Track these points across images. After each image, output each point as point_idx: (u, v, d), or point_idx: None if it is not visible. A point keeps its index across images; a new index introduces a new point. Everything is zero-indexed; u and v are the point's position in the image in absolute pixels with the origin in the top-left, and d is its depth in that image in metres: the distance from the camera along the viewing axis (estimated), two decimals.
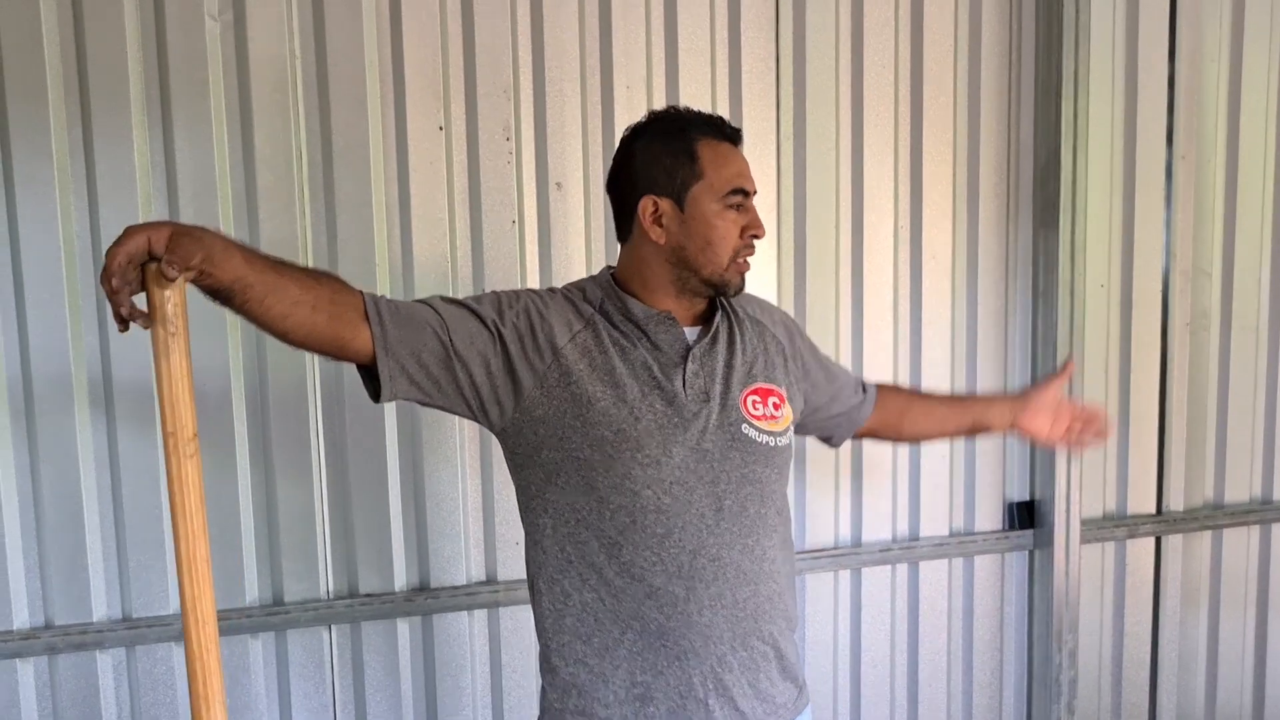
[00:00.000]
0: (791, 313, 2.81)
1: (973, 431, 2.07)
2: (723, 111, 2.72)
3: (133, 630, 2.41)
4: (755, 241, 1.65)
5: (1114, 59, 3.09)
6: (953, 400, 2.15)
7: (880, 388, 2.03)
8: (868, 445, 2.94)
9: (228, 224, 2.40)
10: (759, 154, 2.78)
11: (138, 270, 1.22)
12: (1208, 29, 3.17)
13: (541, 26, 2.58)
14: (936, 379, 2.99)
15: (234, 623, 2.45)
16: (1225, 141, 3.24)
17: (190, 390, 1.26)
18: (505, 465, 2.53)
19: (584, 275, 2.60)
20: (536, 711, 2.62)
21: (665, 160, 1.61)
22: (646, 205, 1.61)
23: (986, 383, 3.04)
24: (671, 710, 1.57)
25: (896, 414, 2.01)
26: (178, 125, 2.36)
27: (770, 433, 1.63)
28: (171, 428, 1.24)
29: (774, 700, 1.64)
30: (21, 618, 2.37)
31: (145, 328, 1.23)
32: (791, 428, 1.70)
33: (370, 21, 2.46)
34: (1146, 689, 3.35)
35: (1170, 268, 3.21)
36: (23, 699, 2.39)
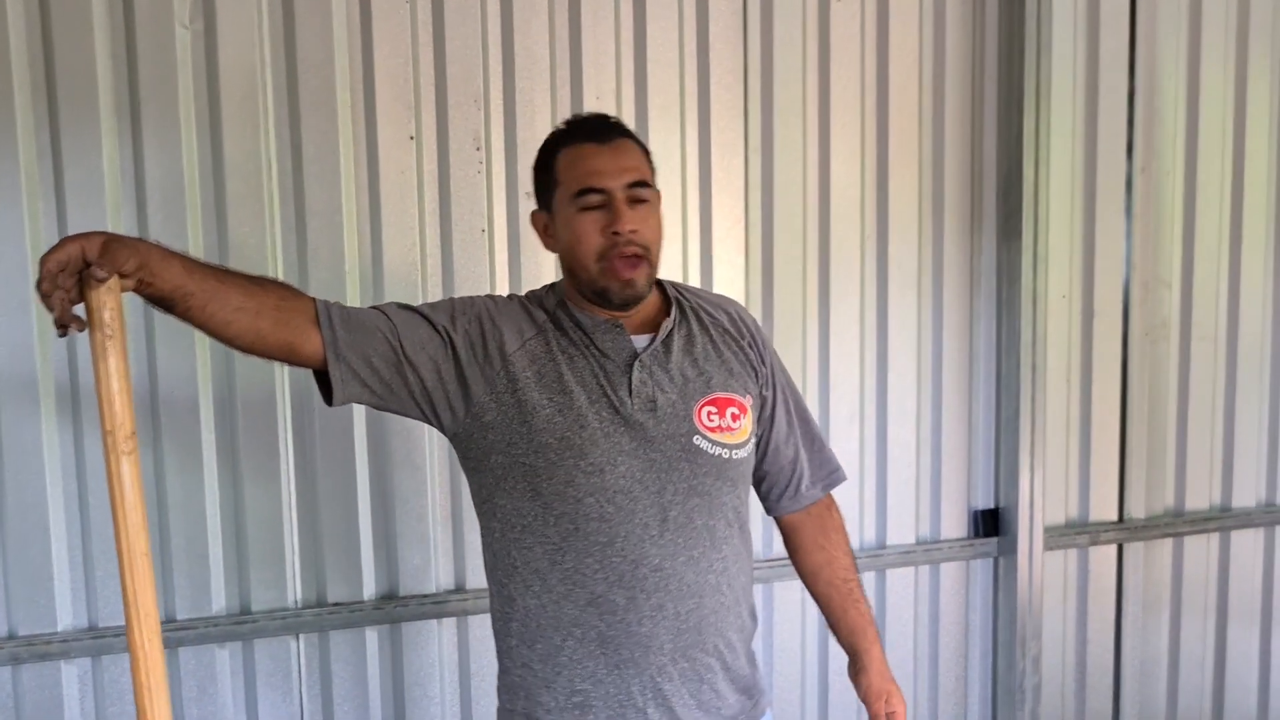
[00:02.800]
0: (759, 322, 2.84)
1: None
2: (691, 123, 2.76)
3: (98, 640, 2.39)
4: (619, 238, 1.56)
5: (1075, 73, 3.14)
6: (843, 607, 1.87)
7: (829, 504, 1.87)
8: (835, 451, 2.96)
9: (196, 231, 2.40)
10: (727, 164, 2.81)
11: (74, 278, 1.25)
12: (1165, 45, 3.24)
13: (512, 37, 2.60)
14: (902, 388, 3.03)
15: (200, 632, 2.44)
16: (1184, 155, 3.31)
17: (127, 389, 1.29)
18: None
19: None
20: None
21: (539, 176, 1.69)
22: (535, 221, 1.72)
23: (952, 392, 3.08)
24: (610, 718, 1.57)
25: (794, 543, 1.88)
26: (147, 132, 2.35)
27: (724, 444, 1.62)
28: (110, 426, 1.27)
29: (720, 712, 1.64)
30: None
31: (80, 331, 1.26)
32: (752, 440, 1.68)
33: (341, 30, 2.47)
34: (1110, 695, 3.40)
35: (1130, 278, 3.27)
36: None
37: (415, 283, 2.56)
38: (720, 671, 1.64)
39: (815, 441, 1.85)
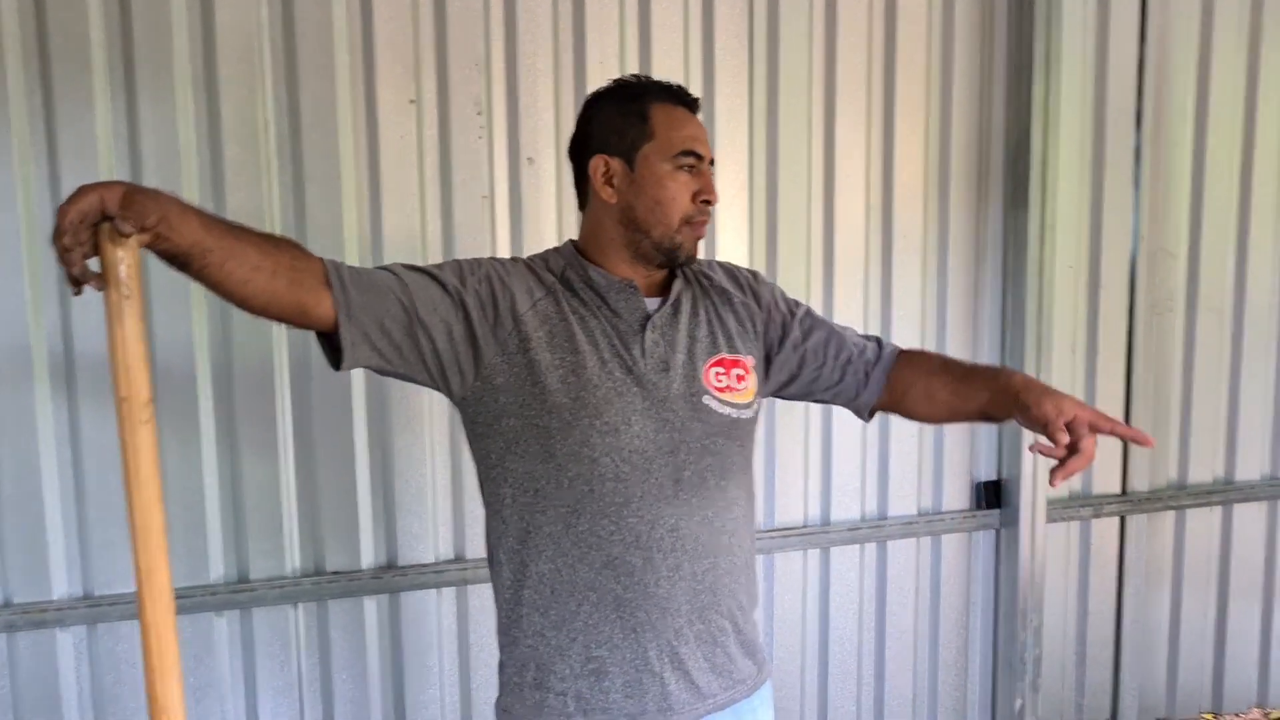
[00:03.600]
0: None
1: (982, 420, 1.74)
2: (695, 88, 2.71)
3: (94, 608, 2.38)
4: (709, 208, 1.63)
5: (1085, 40, 3.10)
6: (965, 383, 1.72)
7: (903, 355, 1.80)
8: (837, 421, 2.96)
9: (193, 197, 2.35)
10: (731, 131, 2.78)
11: (91, 230, 1.17)
12: (1177, 12, 3.19)
13: (514, 0, 2.56)
14: None
15: (199, 600, 2.43)
16: (1193, 125, 3.27)
17: (144, 354, 1.22)
18: None
19: None
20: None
21: (617, 121, 1.62)
22: (598, 165, 1.63)
23: None
24: (627, 684, 1.56)
25: (900, 392, 1.78)
26: (142, 95, 2.31)
27: (733, 404, 1.62)
28: (125, 393, 1.20)
29: (731, 675, 1.64)
30: None
31: (99, 289, 1.19)
32: (757, 400, 1.69)
33: None
34: (1110, 667, 3.40)
35: (1137, 250, 3.24)
36: None
37: (416, 249, 2.52)
38: (733, 634, 1.64)
39: (852, 331, 1.83)
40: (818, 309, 2.86)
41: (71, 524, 2.38)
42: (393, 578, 2.58)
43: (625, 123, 1.62)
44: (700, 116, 1.69)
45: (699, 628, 1.59)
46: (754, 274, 1.82)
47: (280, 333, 2.42)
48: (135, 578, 1.25)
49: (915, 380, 1.77)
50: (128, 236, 1.17)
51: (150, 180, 2.32)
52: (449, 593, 2.66)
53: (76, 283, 1.18)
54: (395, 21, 2.47)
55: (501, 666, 1.67)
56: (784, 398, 1.83)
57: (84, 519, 2.38)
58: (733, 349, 1.67)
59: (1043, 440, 1.52)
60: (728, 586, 1.62)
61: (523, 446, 1.56)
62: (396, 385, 2.51)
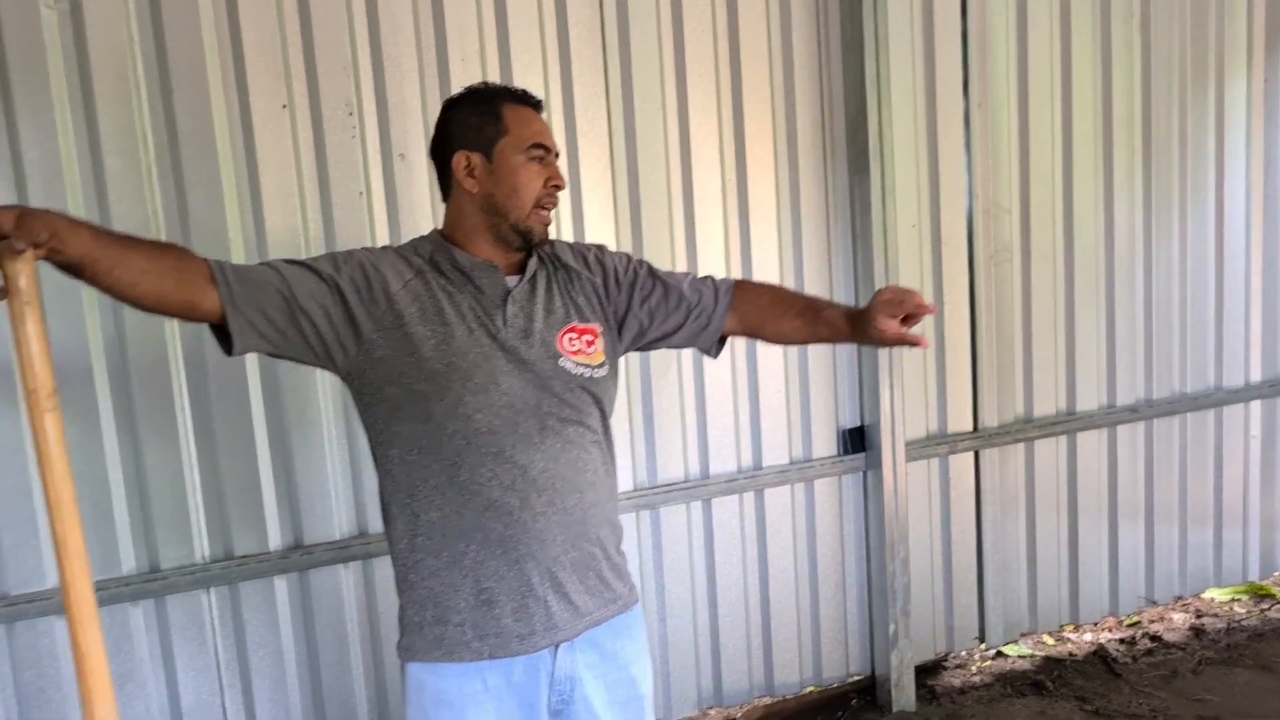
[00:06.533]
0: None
1: (823, 342, 2.06)
2: (553, 77, 2.92)
3: (11, 607, 2.48)
4: (557, 192, 1.87)
5: (912, 17, 3.37)
6: (805, 310, 2.02)
7: (739, 287, 2.06)
8: (709, 381, 3.18)
9: (78, 209, 2.46)
10: (590, 117, 2.97)
11: None
12: None
13: (376, 4, 2.71)
14: None
15: (112, 592, 2.55)
16: (1016, 89, 3.57)
17: (46, 350, 1.41)
18: None
19: None
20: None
21: (475, 121, 1.85)
22: (460, 160, 1.84)
23: None
24: (515, 609, 1.78)
25: (756, 318, 2.05)
26: (20, 114, 2.41)
27: (585, 365, 1.86)
28: (32, 385, 1.39)
29: (604, 595, 1.88)
30: None
31: (1, 299, 1.38)
32: (608, 361, 1.91)
33: (207, 4, 2.55)
34: (975, 590, 3.70)
35: (973, 207, 3.53)
36: None
37: (298, 247, 2.66)
38: (603, 559, 1.88)
39: (690, 277, 2.08)
40: None
41: None
42: (300, 556, 2.73)
43: (482, 122, 1.83)
44: (545, 114, 1.91)
45: (573, 555, 1.81)
46: (600, 248, 2.03)
47: (173, 328, 2.55)
48: (53, 544, 1.42)
49: (764, 320, 2.04)
50: (20, 253, 1.36)
51: (35, 195, 2.42)
52: (355, 566, 2.82)
53: None
54: (262, 30, 2.60)
55: (402, 611, 1.86)
56: (641, 349, 2.08)
57: None
58: (583, 318, 1.89)
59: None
60: (594, 518, 1.85)
61: (404, 411, 1.76)
62: (289, 374, 2.65)
